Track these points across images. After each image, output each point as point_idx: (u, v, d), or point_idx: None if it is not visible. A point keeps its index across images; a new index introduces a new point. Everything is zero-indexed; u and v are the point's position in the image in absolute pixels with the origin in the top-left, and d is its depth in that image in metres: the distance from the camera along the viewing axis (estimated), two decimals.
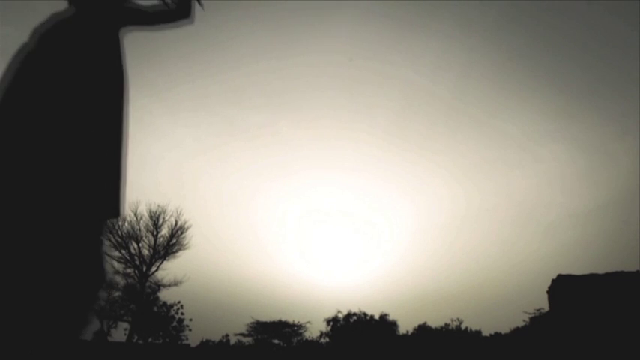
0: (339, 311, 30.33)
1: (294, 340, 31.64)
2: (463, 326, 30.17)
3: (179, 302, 33.90)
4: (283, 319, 31.89)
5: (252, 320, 31.67)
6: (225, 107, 61.86)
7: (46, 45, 1.89)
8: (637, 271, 14.26)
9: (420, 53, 59.54)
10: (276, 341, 31.61)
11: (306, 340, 31.34)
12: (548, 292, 15.43)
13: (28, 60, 1.87)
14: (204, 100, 61.98)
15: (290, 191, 64.89)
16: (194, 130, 59.56)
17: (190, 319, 33.95)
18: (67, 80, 1.82)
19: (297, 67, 62.88)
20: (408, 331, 30.37)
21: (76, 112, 1.79)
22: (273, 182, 62.98)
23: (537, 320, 17.20)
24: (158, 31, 2.24)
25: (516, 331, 19.75)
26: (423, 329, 30.08)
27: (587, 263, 53.47)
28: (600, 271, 14.65)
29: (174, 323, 33.41)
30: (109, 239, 29.75)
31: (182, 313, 33.83)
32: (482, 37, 58.01)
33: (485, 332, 27.94)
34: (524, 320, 19.37)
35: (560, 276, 15.17)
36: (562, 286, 14.89)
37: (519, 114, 58.84)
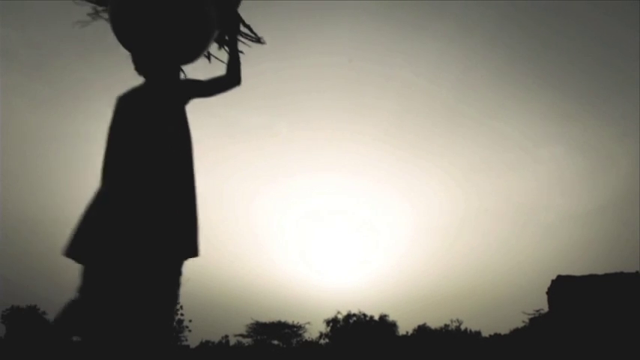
0: (338, 312, 30.29)
1: (294, 341, 31.63)
2: (463, 327, 30.15)
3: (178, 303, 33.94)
4: (283, 320, 31.86)
5: (252, 321, 31.64)
6: (224, 109, 61.80)
7: (132, 113, 2.36)
8: (636, 272, 14.27)
9: (420, 54, 59.62)
10: (275, 342, 31.60)
11: (306, 341, 31.33)
12: (547, 293, 15.43)
13: (120, 123, 2.36)
14: (203, 101, 61.88)
15: (289, 192, 64.96)
16: (193, 132, 59.44)
17: (190, 320, 33.86)
18: (150, 141, 2.28)
19: (297, 68, 62.83)
20: (407, 332, 30.35)
21: (161, 171, 2.27)
22: (273, 183, 63.06)
23: (537, 321, 17.20)
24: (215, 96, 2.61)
25: (516, 332, 19.76)
26: (422, 330, 30.06)
27: (587, 264, 53.51)
28: (600, 272, 14.66)
29: (174, 324, 33.44)
30: None
31: (181, 314, 33.78)
32: (481, 38, 58.11)
33: (485, 333, 27.94)
34: (523, 321, 19.38)
35: (559, 277, 15.16)
36: (561, 287, 14.89)
37: (519, 115, 58.95)
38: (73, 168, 56.84)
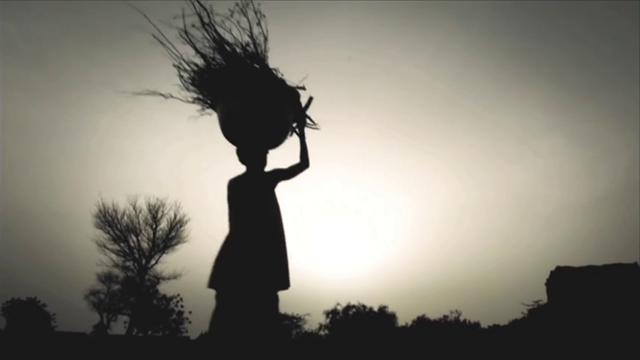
0: (338, 304, 30.42)
1: (294, 332, 31.76)
2: (462, 318, 30.29)
3: (178, 295, 33.98)
4: (282, 311, 31.96)
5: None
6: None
7: (243, 190, 3.55)
8: (635, 263, 14.31)
9: (419, 47, 59.38)
10: None
11: (306, 332, 31.46)
12: (546, 284, 15.47)
13: (236, 198, 3.54)
14: None
15: (288, 184, 64.78)
16: (193, 124, 59.25)
17: (190, 312, 34.09)
18: (258, 208, 3.47)
19: (295, 61, 62.55)
20: (407, 323, 30.48)
21: (266, 228, 3.41)
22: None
23: (536, 312, 17.26)
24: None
25: (515, 323, 19.84)
26: (421, 321, 30.19)
27: (586, 255, 53.68)
28: (598, 263, 14.69)
29: (174, 316, 33.52)
30: (109, 233, 29.82)
31: (182, 306, 33.95)
32: (480, 31, 57.83)
33: (484, 324, 28.08)
34: (522, 312, 19.41)
35: (558, 268, 15.19)
36: (560, 278, 14.93)
37: (518, 108, 58.84)
38: (73, 161, 56.78)
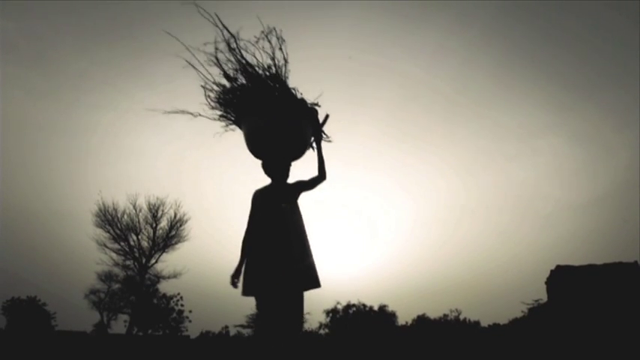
0: (338, 302, 30.42)
1: None
2: (462, 317, 30.34)
3: (179, 294, 34.02)
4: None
5: (252, 312, 31.77)
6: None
7: (270, 201, 3.85)
8: (635, 262, 14.30)
9: (419, 46, 59.37)
10: None
11: (306, 331, 31.47)
12: (546, 283, 15.46)
13: (262, 208, 3.84)
14: (201, 94, 61.70)
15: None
16: (193, 123, 59.32)
17: (190, 311, 34.13)
18: (284, 217, 3.76)
19: (296, 59, 62.46)
20: (407, 322, 30.55)
21: (292, 235, 3.72)
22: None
23: (536, 311, 17.26)
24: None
25: (515, 322, 19.83)
26: (422, 320, 30.23)
27: (586, 254, 53.67)
28: (598, 262, 14.68)
29: (174, 315, 33.55)
30: (109, 232, 29.83)
31: (182, 305, 33.98)
32: (481, 30, 57.80)
33: (484, 323, 28.13)
34: (522, 311, 19.40)
35: (558, 267, 15.18)
36: (560, 277, 14.92)
37: (518, 106, 58.82)
38: (73, 160, 56.75)
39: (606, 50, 56.23)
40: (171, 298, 33.68)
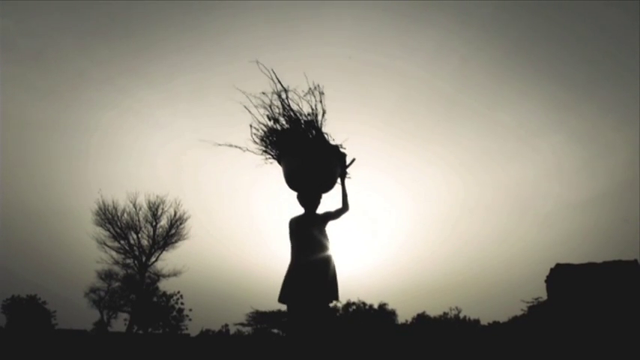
0: (338, 301, 30.43)
1: None
2: (462, 315, 30.36)
3: (179, 292, 34.03)
4: (282, 308, 31.94)
5: (252, 310, 31.78)
6: (224, 98, 61.59)
7: (304, 227, 4.65)
8: (635, 260, 14.30)
9: (419, 45, 59.29)
10: (275, 331, 31.75)
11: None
12: (546, 281, 15.46)
13: (297, 233, 4.62)
14: (204, 91, 61.74)
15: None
16: (193, 121, 59.37)
17: (190, 309, 34.14)
18: (317, 241, 4.58)
19: (296, 58, 62.49)
20: (407, 320, 30.56)
21: (321, 256, 4.50)
22: (272, 173, 62.80)
23: (535, 309, 17.27)
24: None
25: (514, 320, 19.84)
26: (421, 318, 30.26)
27: (585, 252, 53.70)
28: (598, 260, 14.69)
29: (174, 313, 33.56)
30: (109, 230, 29.81)
31: (182, 304, 33.98)
32: (480, 29, 57.72)
33: (484, 321, 28.13)
34: (522, 309, 19.41)
35: (558, 265, 15.18)
36: (560, 275, 14.91)
37: (517, 105, 58.83)
38: (73, 158, 56.71)
39: (606, 49, 56.22)
40: (171, 296, 33.70)
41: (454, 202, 58.38)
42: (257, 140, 4.99)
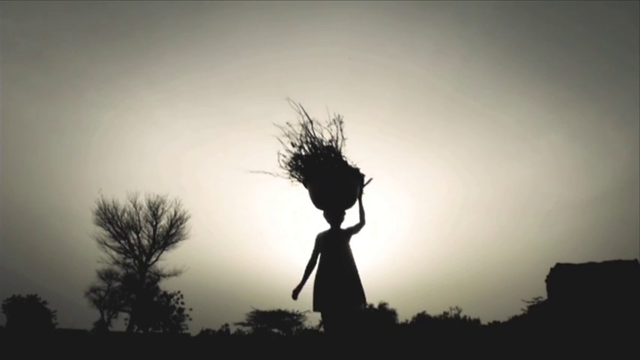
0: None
1: (294, 329, 31.82)
2: (462, 315, 30.36)
3: (179, 292, 34.03)
4: (283, 308, 32.01)
5: (252, 310, 31.83)
6: (224, 98, 61.67)
7: (331, 241, 5.24)
8: (635, 260, 14.31)
9: (419, 45, 59.28)
10: (275, 330, 31.78)
11: (306, 329, 31.52)
12: (546, 280, 15.47)
13: (325, 246, 5.24)
14: (203, 91, 61.73)
15: (289, 182, 64.79)
16: (193, 121, 59.42)
17: (190, 309, 34.14)
18: (342, 253, 5.18)
19: (296, 58, 62.45)
20: (407, 320, 30.58)
21: (347, 266, 5.12)
22: (272, 172, 62.77)
23: (536, 309, 17.28)
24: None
25: (515, 320, 19.86)
26: (422, 318, 30.27)
27: (586, 252, 53.71)
28: (599, 260, 14.70)
29: (175, 313, 33.57)
30: (109, 230, 29.82)
31: (182, 303, 33.98)
32: (480, 28, 57.70)
33: (484, 321, 28.15)
34: (522, 309, 19.44)
35: (558, 265, 15.20)
36: (560, 275, 14.93)
37: (517, 105, 58.83)
38: (73, 158, 56.72)
39: (606, 48, 56.21)
40: (171, 296, 33.71)
41: (454, 201, 58.41)
42: (284, 165, 5.64)
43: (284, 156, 5.59)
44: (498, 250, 54.91)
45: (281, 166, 5.62)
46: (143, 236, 30.56)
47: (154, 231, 30.64)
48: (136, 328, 31.08)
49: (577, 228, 54.02)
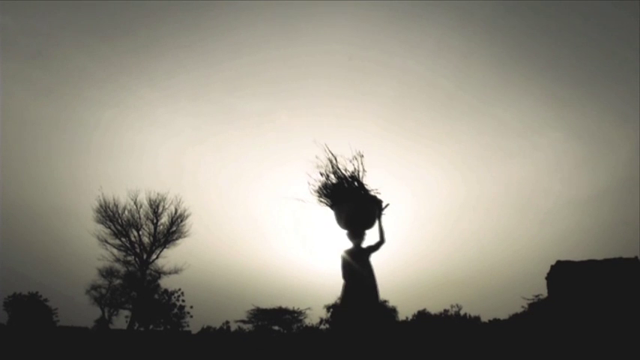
0: (338, 298, 30.43)
1: (294, 326, 31.85)
2: (462, 312, 30.36)
3: (180, 290, 34.02)
4: (283, 306, 32.02)
5: (253, 307, 31.81)
6: (224, 96, 61.62)
7: (356, 258, 6.39)
8: (635, 257, 14.32)
9: (419, 42, 59.20)
10: (276, 328, 31.81)
11: (306, 326, 31.55)
12: (546, 278, 15.49)
13: (350, 262, 6.41)
14: (204, 89, 61.71)
15: (289, 179, 64.92)
16: (193, 119, 59.37)
17: (191, 307, 34.11)
18: (365, 269, 6.38)
19: (296, 56, 62.40)
20: (407, 318, 30.57)
21: (369, 282, 6.37)
22: (272, 170, 62.95)
23: (536, 306, 17.30)
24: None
25: (515, 317, 19.89)
26: (422, 315, 30.28)
27: (586, 250, 53.70)
28: (599, 257, 14.70)
29: (175, 310, 33.58)
30: (110, 227, 29.83)
31: (183, 301, 33.97)
32: (480, 26, 57.59)
33: (484, 318, 28.16)
34: (522, 306, 19.46)
35: (558, 262, 15.21)
36: (561, 273, 14.95)
37: (518, 102, 58.75)
38: (73, 156, 56.73)
39: (606, 46, 56.11)
40: (172, 293, 33.71)
41: (454, 199, 58.36)
42: (313, 192, 6.66)
43: (313, 185, 6.70)
44: (499, 248, 54.93)
45: (311, 193, 6.68)
46: (144, 234, 30.55)
47: (155, 228, 30.62)
48: (137, 325, 31.12)
49: (577, 225, 54.03)
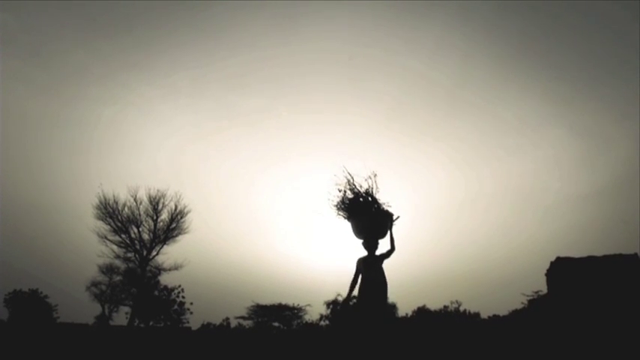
0: (338, 294, 30.42)
1: (294, 323, 31.90)
2: (462, 309, 30.42)
3: (180, 286, 34.07)
4: (283, 302, 32.07)
5: (253, 303, 31.86)
6: (224, 93, 61.59)
7: (369, 265, 6.93)
8: (635, 254, 14.33)
9: (420, 40, 59.18)
10: (276, 324, 31.86)
11: (306, 323, 31.60)
12: (546, 274, 15.51)
13: (364, 270, 6.95)
14: (204, 86, 61.66)
15: (289, 175, 65.02)
16: (194, 116, 59.38)
17: (191, 303, 34.19)
18: (379, 276, 6.88)
19: (297, 53, 62.31)
20: (407, 314, 30.62)
21: (382, 287, 6.84)
22: (273, 167, 62.93)
23: (536, 303, 17.32)
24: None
25: (514, 314, 19.90)
26: (422, 311, 30.33)
27: (586, 246, 53.76)
28: (598, 254, 14.72)
29: (175, 307, 33.64)
30: (110, 224, 29.85)
31: (183, 297, 34.03)
32: (481, 24, 57.50)
33: (484, 315, 28.21)
34: (522, 303, 19.48)
35: (558, 259, 15.23)
36: (560, 269, 14.96)
37: (518, 100, 58.75)
38: (73, 153, 56.72)
39: (606, 43, 56.04)
40: (172, 290, 33.76)
41: (455, 195, 58.45)
42: (332, 206, 7.39)
43: (332, 200, 7.46)
44: (498, 244, 55.04)
45: (330, 207, 7.44)
46: (144, 230, 30.59)
47: (155, 225, 30.66)
48: (137, 321, 31.18)
49: (577, 222, 54.11)
